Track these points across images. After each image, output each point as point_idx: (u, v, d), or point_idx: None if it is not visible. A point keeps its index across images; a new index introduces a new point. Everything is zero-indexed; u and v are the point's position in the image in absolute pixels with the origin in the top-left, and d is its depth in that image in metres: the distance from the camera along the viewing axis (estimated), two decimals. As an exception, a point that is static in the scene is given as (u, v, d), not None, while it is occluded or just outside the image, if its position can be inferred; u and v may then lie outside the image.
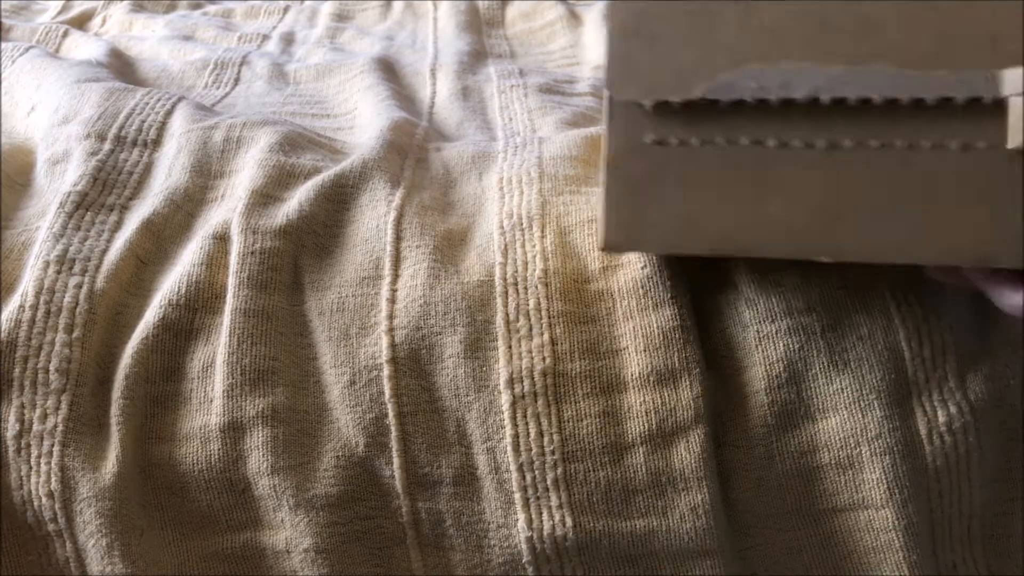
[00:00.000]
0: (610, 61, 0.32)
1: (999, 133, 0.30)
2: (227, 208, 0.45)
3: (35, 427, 0.37)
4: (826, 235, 0.32)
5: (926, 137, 0.30)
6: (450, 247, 0.42)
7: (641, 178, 0.33)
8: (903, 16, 0.29)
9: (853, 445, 0.38)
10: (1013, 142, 0.29)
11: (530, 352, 0.38)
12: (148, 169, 0.48)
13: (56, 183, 0.48)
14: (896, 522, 0.38)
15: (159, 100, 0.53)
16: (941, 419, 0.38)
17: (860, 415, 0.38)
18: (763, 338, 0.39)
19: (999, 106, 0.28)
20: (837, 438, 0.38)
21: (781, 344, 0.38)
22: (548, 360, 0.38)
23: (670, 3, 0.31)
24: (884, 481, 0.38)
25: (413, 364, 0.38)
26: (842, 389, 0.38)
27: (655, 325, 0.38)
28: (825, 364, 0.38)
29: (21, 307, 0.39)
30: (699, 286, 0.40)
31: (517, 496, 0.37)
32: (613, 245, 0.34)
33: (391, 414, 0.38)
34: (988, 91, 0.28)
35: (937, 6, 0.29)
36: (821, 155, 0.31)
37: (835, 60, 0.30)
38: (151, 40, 0.76)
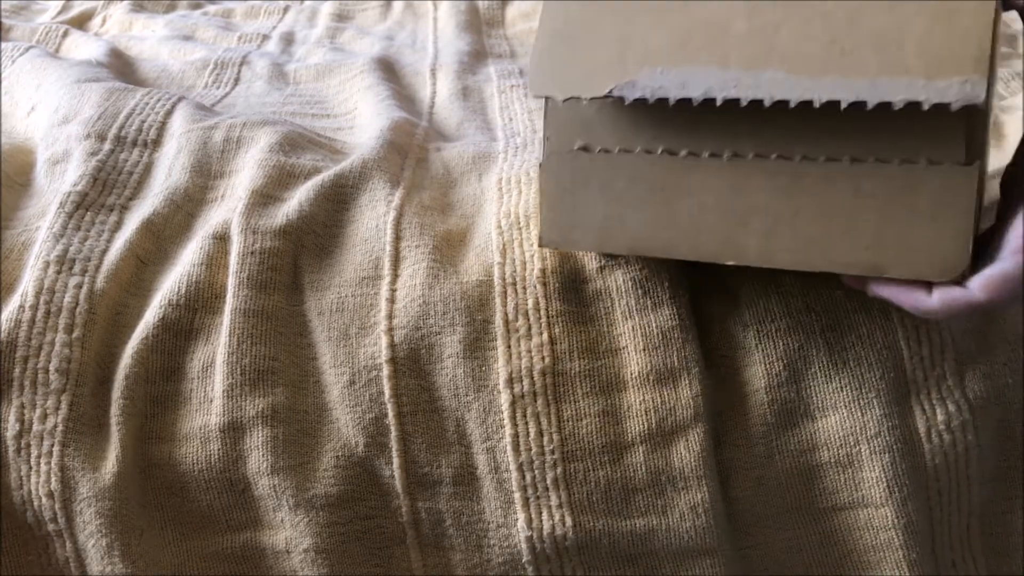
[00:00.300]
0: (534, 59, 0.35)
1: (890, 148, 0.31)
2: (227, 208, 0.45)
3: (35, 427, 0.37)
4: (731, 240, 0.34)
5: (820, 151, 0.32)
6: (449, 247, 0.42)
7: (570, 181, 0.36)
8: (798, 23, 0.31)
9: (852, 443, 0.38)
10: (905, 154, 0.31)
11: (529, 351, 0.38)
12: (148, 169, 0.48)
13: (56, 183, 0.48)
14: (895, 520, 0.38)
15: (159, 100, 0.53)
16: (940, 417, 0.38)
17: (859, 413, 0.38)
18: (763, 337, 0.39)
19: (888, 122, 0.30)
20: (836, 436, 0.38)
21: (781, 343, 0.38)
22: (547, 359, 0.38)
23: (594, 7, 0.33)
24: (883, 479, 0.38)
25: (412, 364, 0.38)
26: (841, 388, 0.38)
27: (654, 324, 0.38)
28: (824, 363, 0.38)
29: (21, 307, 0.39)
30: (699, 286, 0.40)
31: (517, 496, 0.37)
32: (548, 243, 0.38)
33: (391, 414, 0.38)
34: (871, 96, 0.30)
35: (831, 16, 0.30)
36: (726, 165, 0.34)
37: (733, 64, 0.31)
38: (151, 40, 0.76)
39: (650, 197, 0.35)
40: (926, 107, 0.29)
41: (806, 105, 0.30)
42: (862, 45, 0.30)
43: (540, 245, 0.38)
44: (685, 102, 0.32)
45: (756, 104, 0.31)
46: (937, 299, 0.32)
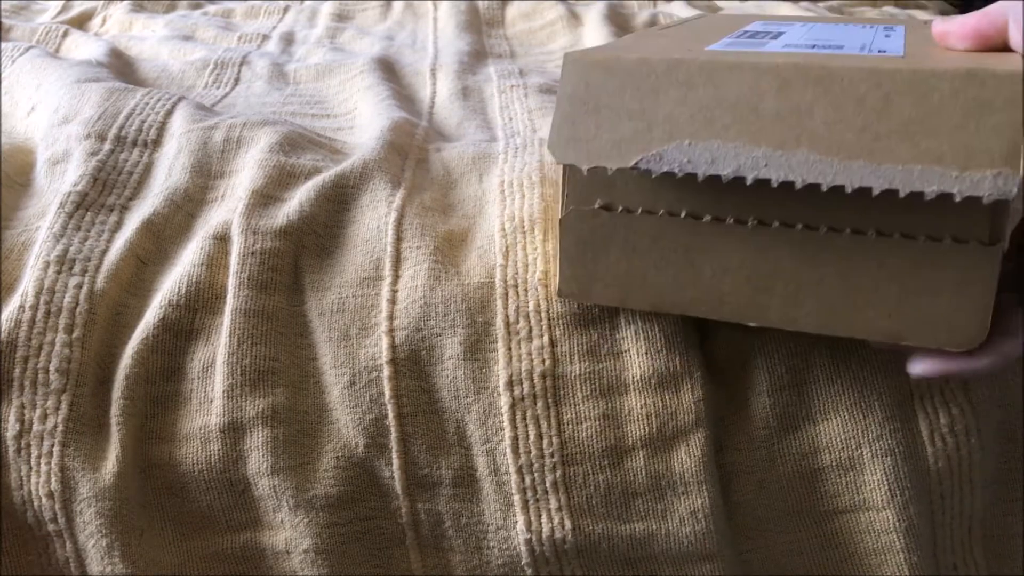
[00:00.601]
0: (556, 124, 0.34)
1: (916, 225, 0.32)
2: (227, 208, 0.45)
3: (35, 427, 0.37)
4: (753, 302, 0.35)
5: (846, 223, 0.33)
6: (450, 248, 0.42)
7: (590, 238, 0.36)
8: (830, 107, 0.31)
9: (854, 447, 0.38)
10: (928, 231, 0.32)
11: (530, 354, 0.38)
12: (148, 169, 0.48)
13: (56, 183, 0.48)
14: (897, 524, 0.38)
15: (159, 100, 0.53)
16: (943, 421, 0.38)
17: (861, 416, 0.38)
18: (766, 340, 0.39)
19: (916, 199, 0.30)
20: (838, 440, 0.38)
21: (783, 346, 0.38)
22: (548, 362, 0.38)
23: (619, 76, 0.33)
24: (885, 482, 0.38)
25: (413, 365, 0.38)
26: (843, 391, 0.38)
27: (657, 328, 0.38)
28: (827, 366, 0.38)
29: (21, 307, 0.39)
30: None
31: (516, 498, 0.37)
32: (566, 295, 0.38)
33: (391, 415, 0.38)
34: (904, 185, 0.30)
35: (864, 102, 0.30)
36: (751, 231, 0.34)
37: (763, 143, 0.31)
38: (151, 40, 0.76)
39: (672, 257, 0.35)
40: (958, 199, 0.29)
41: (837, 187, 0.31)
42: (895, 132, 0.30)
43: (558, 296, 0.38)
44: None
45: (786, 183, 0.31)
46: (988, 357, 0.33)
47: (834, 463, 0.38)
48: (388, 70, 0.67)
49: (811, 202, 0.31)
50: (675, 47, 0.36)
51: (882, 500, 0.38)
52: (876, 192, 0.30)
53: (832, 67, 0.31)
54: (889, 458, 0.37)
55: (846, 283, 0.33)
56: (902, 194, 0.30)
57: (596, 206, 0.35)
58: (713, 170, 0.32)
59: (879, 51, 0.35)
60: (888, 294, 0.33)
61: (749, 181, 0.31)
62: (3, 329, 0.38)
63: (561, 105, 0.34)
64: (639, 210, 0.35)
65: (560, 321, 0.38)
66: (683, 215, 0.34)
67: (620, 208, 0.35)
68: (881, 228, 0.32)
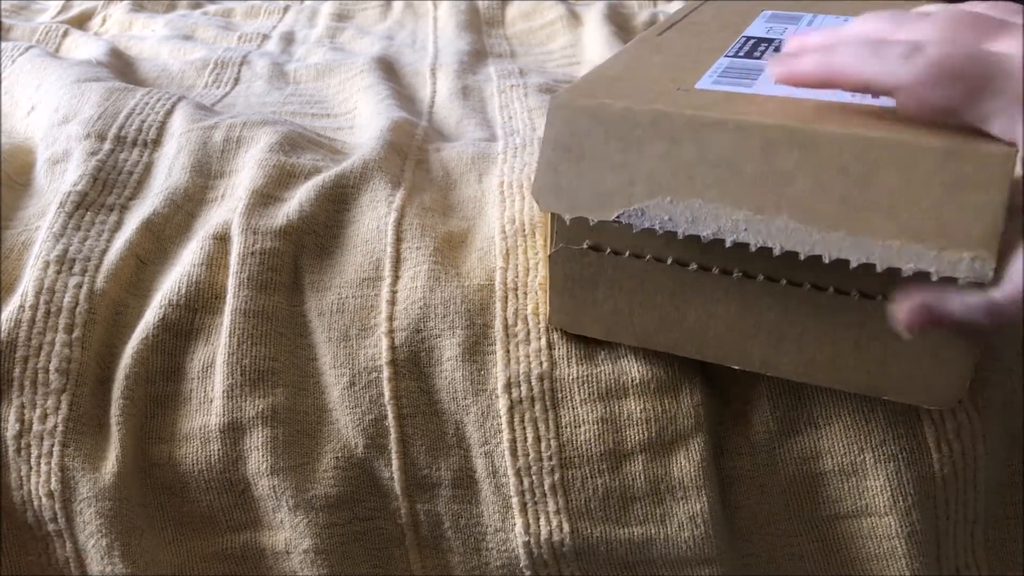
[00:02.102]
0: (540, 170, 0.34)
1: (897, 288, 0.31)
2: (227, 208, 0.45)
3: (35, 427, 0.37)
4: (737, 347, 0.35)
5: (829, 282, 0.33)
6: (450, 249, 0.42)
7: (578, 274, 0.37)
8: (813, 174, 0.30)
9: (857, 452, 0.38)
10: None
11: (528, 357, 0.38)
12: (148, 169, 0.48)
13: (56, 183, 0.48)
14: (899, 530, 0.38)
15: (159, 100, 0.53)
16: (950, 426, 0.37)
17: (864, 421, 0.37)
18: None
19: (891, 273, 0.30)
20: (840, 445, 0.38)
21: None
22: (546, 365, 0.38)
23: (604, 125, 0.33)
24: (888, 488, 0.37)
25: (412, 366, 0.38)
26: (846, 396, 0.38)
27: None
28: None
29: (21, 307, 0.39)
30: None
31: (515, 500, 0.37)
32: (556, 324, 0.38)
33: (390, 416, 0.38)
34: (881, 261, 0.30)
35: (847, 171, 0.30)
36: (736, 282, 0.34)
37: (744, 206, 0.31)
38: (151, 40, 0.76)
39: (658, 300, 0.36)
40: (935, 279, 0.29)
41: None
42: (875, 204, 0.30)
43: (549, 324, 0.38)
44: None
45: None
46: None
47: (836, 468, 0.38)
48: (388, 70, 0.67)
49: (795, 261, 0.31)
50: (667, 76, 0.36)
51: (884, 506, 0.38)
52: (853, 264, 0.30)
53: (817, 132, 0.30)
54: (892, 463, 0.37)
55: (828, 338, 0.34)
56: (879, 269, 0.30)
57: (584, 246, 0.36)
58: (693, 230, 0.32)
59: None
60: (869, 352, 0.33)
61: (728, 244, 0.31)
62: (3, 329, 0.38)
63: (546, 150, 0.34)
64: (626, 253, 0.35)
65: (559, 324, 0.38)
66: (669, 262, 0.35)
67: (608, 250, 0.35)
68: (864, 290, 0.32)
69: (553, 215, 0.36)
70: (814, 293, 0.33)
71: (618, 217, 0.33)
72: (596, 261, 0.36)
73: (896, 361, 0.33)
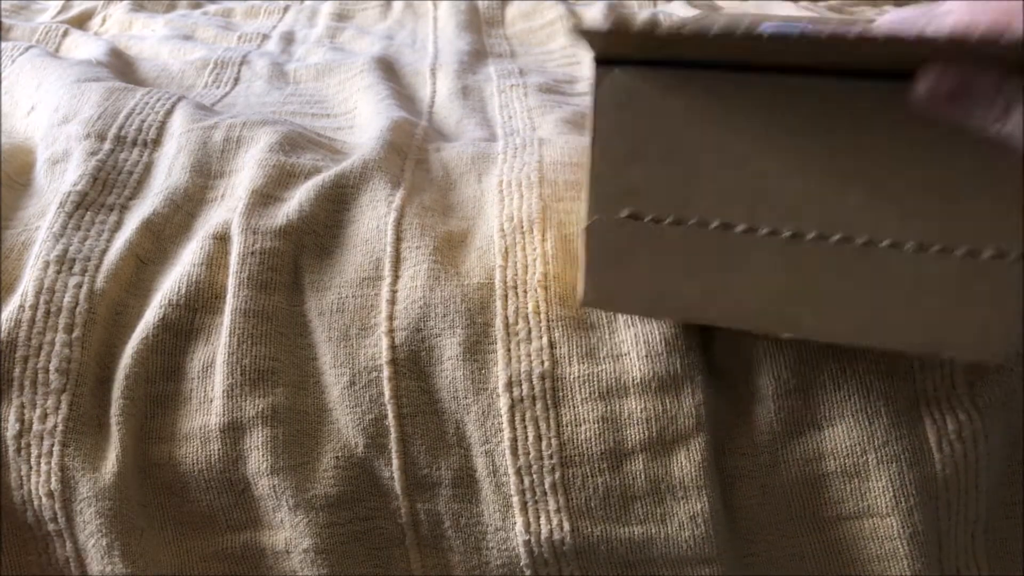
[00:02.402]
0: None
1: (953, 235, 0.31)
2: (227, 208, 0.45)
3: (35, 427, 0.37)
4: (786, 314, 0.34)
5: (884, 235, 0.32)
6: (450, 249, 0.42)
7: (616, 247, 0.35)
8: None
9: (860, 453, 0.38)
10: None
11: (529, 356, 0.38)
12: (148, 169, 0.48)
13: (56, 183, 0.48)
14: (901, 530, 0.37)
15: (159, 100, 0.53)
16: (951, 427, 0.37)
17: (867, 422, 0.37)
18: (771, 344, 0.38)
19: (954, 207, 0.30)
20: (844, 446, 0.38)
21: (790, 350, 0.38)
22: (547, 364, 0.38)
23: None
24: (890, 489, 0.37)
25: (413, 366, 0.38)
26: (849, 396, 0.38)
27: (657, 332, 0.38)
28: (834, 371, 0.38)
29: (21, 307, 0.39)
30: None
31: (515, 499, 0.37)
32: (590, 304, 0.37)
33: (391, 415, 0.38)
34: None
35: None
36: (785, 243, 0.33)
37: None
38: (151, 39, 0.76)
39: (702, 268, 0.34)
40: None
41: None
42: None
43: (582, 305, 0.37)
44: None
45: (821, 187, 0.31)
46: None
47: (839, 469, 0.38)
48: (388, 70, 0.67)
49: (849, 213, 0.31)
50: None
51: (887, 507, 0.37)
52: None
53: None
54: (895, 464, 0.37)
55: (881, 296, 0.33)
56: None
57: (623, 215, 0.34)
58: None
59: None
60: (924, 307, 0.32)
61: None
62: (3, 329, 0.38)
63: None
64: (668, 219, 0.34)
65: (559, 323, 0.38)
66: (714, 225, 0.33)
67: (648, 217, 0.34)
68: (921, 241, 0.32)
69: (590, 184, 0.34)
70: (867, 248, 0.32)
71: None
72: (636, 231, 0.34)
73: (949, 316, 0.32)
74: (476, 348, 0.38)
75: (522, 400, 0.37)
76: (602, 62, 0.33)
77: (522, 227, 0.42)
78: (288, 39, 0.79)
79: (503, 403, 0.37)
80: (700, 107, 0.32)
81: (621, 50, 0.33)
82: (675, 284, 0.35)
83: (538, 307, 0.39)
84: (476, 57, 0.74)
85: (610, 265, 0.36)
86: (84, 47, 0.73)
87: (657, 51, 0.32)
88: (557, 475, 0.37)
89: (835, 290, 0.33)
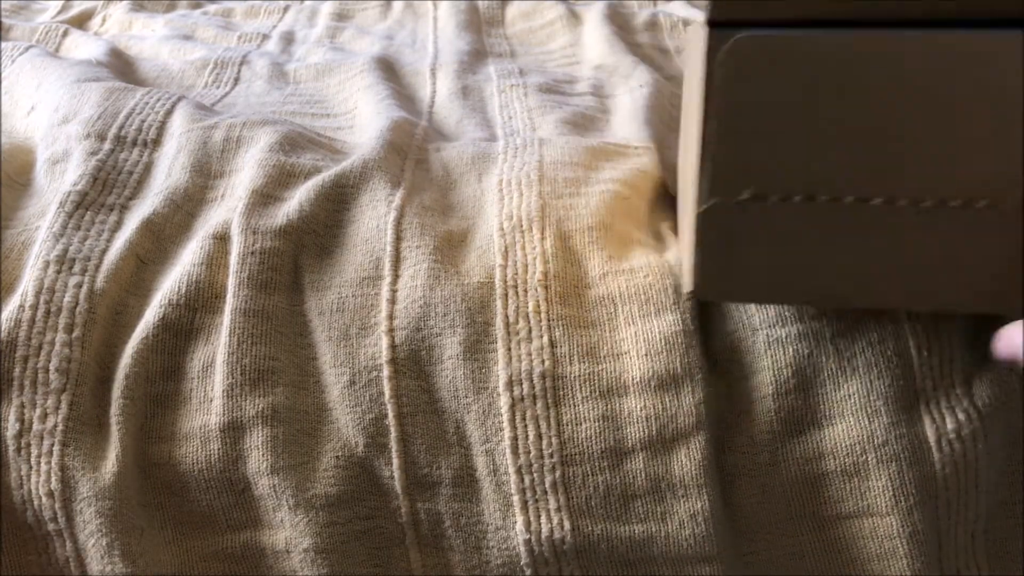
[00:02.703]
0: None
1: None
2: (227, 208, 0.45)
3: (35, 427, 0.37)
4: (925, 287, 0.32)
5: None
6: (450, 248, 0.42)
7: (736, 232, 0.32)
8: None
9: (859, 452, 0.38)
10: None
11: (529, 355, 0.38)
12: (148, 169, 0.48)
13: (56, 183, 0.48)
14: (901, 530, 0.37)
15: (159, 100, 0.53)
16: (950, 426, 0.37)
17: (867, 422, 0.37)
18: (772, 343, 0.38)
19: None
20: (844, 445, 0.38)
21: (791, 349, 0.38)
22: (547, 363, 0.38)
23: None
24: (890, 488, 0.37)
25: (413, 365, 0.38)
26: (850, 395, 0.38)
27: (657, 330, 0.38)
28: (834, 370, 0.38)
29: (21, 307, 0.39)
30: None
31: (515, 498, 0.37)
32: (704, 295, 0.35)
33: (391, 415, 0.38)
34: None
35: None
36: (925, 213, 0.31)
37: None
38: (151, 39, 0.76)
39: (834, 247, 0.32)
40: None
41: None
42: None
43: (693, 296, 0.35)
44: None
45: (965, 150, 0.29)
46: None
47: (839, 468, 0.38)
48: (388, 69, 0.67)
49: (990, 175, 0.29)
50: None
51: (886, 506, 0.37)
52: None
53: None
54: (894, 464, 0.37)
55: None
56: None
57: (744, 197, 0.32)
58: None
59: None
60: None
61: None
62: (3, 328, 0.38)
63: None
64: (796, 198, 0.31)
65: (560, 322, 0.38)
66: (849, 200, 0.31)
67: (774, 197, 0.31)
68: None
69: (705, 169, 0.32)
70: (1017, 213, 0.30)
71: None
72: (759, 212, 0.32)
73: None
74: (476, 347, 0.38)
75: (522, 399, 0.37)
76: (718, 25, 0.29)
77: (522, 226, 0.42)
78: (288, 39, 0.79)
79: (503, 402, 0.37)
80: (832, 71, 0.29)
81: (742, 11, 0.29)
82: (803, 266, 0.33)
83: (538, 306, 0.39)
84: (476, 57, 0.74)
85: (729, 251, 0.33)
86: (84, 47, 0.73)
87: (784, 9, 0.29)
88: (557, 474, 0.37)
89: (977, 259, 0.31)
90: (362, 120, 0.58)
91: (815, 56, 0.29)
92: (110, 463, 0.37)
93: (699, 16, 0.87)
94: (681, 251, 0.38)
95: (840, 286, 0.33)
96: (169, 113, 0.52)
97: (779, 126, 0.30)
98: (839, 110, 0.30)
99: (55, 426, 0.37)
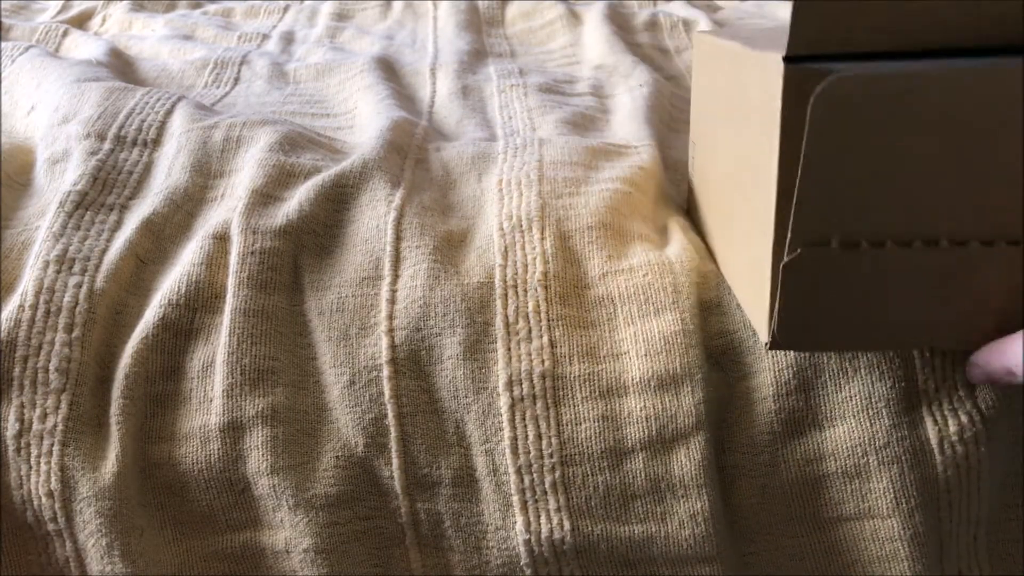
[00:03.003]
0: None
1: None
2: (227, 208, 0.45)
3: (35, 426, 0.37)
4: (1008, 325, 0.31)
5: None
6: (450, 248, 0.42)
7: (822, 281, 0.31)
8: None
9: (860, 454, 0.37)
10: None
11: (529, 355, 0.38)
12: (148, 169, 0.48)
13: (56, 183, 0.48)
14: (902, 532, 0.37)
15: (159, 100, 0.53)
16: (952, 428, 0.37)
17: (868, 423, 0.37)
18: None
19: None
20: (845, 447, 0.38)
21: (792, 350, 0.38)
22: (547, 363, 0.38)
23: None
24: (891, 490, 0.37)
25: (413, 365, 0.38)
26: (851, 397, 0.38)
27: (656, 330, 0.38)
28: (835, 371, 0.38)
29: (21, 307, 0.39)
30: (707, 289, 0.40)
31: (515, 499, 0.37)
32: (786, 346, 0.33)
33: (390, 415, 0.38)
34: None
35: None
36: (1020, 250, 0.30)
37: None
38: (151, 39, 0.76)
39: (928, 291, 0.31)
40: None
41: None
42: None
43: (771, 348, 0.33)
44: None
45: None
46: None
47: (840, 470, 0.38)
48: (388, 69, 0.67)
49: None
50: None
51: (888, 508, 0.37)
52: None
53: None
54: (896, 466, 0.37)
55: None
56: None
57: (834, 245, 0.30)
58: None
59: None
60: None
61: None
62: (3, 328, 0.38)
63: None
64: (888, 244, 0.30)
65: (560, 322, 0.38)
66: (944, 243, 0.30)
67: (864, 244, 0.30)
68: None
69: (785, 213, 0.30)
70: None
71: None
72: (847, 260, 0.30)
73: None
74: (476, 347, 0.38)
75: (522, 399, 0.37)
76: (802, 60, 0.27)
77: (521, 226, 0.42)
78: (288, 39, 0.79)
79: (503, 402, 0.37)
80: (934, 107, 0.28)
81: (824, 46, 0.27)
82: (894, 312, 0.32)
83: (538, 306, 0.39)
84: (476, 57, 0.74)
85: (813, 301, 0.32)
86: (84, 47, 0.73)
87: (872, 42, 0.27)
88: (557, 474, 0.37)
89: None
90: (362, 120, 0.58)
91: (915, 93, 0.27)
92: (110, 463, 0.37)
93: (699, 16, 0.86)
94: (743, 299, 0.37)
95: (935, 330, 0.32)
96: (169, 113, 0.52)
97: (872, 168, 0.29)
98: (934, 149, 0.28)
99: (55, 426, 0.37)
